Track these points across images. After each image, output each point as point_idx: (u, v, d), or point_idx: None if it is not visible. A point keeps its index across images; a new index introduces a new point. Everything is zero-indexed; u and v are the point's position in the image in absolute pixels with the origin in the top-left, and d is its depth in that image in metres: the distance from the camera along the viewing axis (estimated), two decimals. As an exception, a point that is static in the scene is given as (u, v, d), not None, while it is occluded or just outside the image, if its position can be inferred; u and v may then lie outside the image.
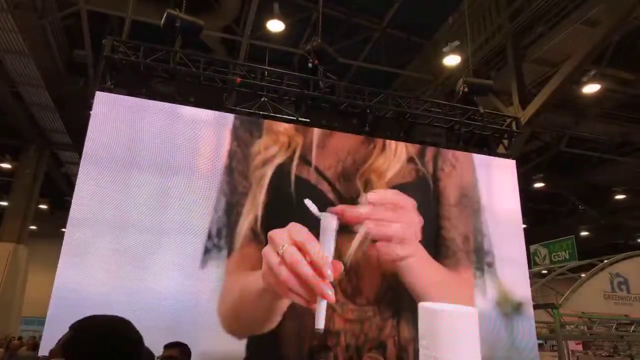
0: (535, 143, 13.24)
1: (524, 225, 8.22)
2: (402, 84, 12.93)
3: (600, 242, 17.71)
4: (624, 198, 16.06)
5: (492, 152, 8.19)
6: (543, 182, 14.79)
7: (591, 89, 10.77)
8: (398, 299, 6.45)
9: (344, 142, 6.89)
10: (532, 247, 11.09)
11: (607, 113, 12.31)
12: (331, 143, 6.81)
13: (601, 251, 11.77)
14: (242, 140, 6.42)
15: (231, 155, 6.31)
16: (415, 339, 6.27)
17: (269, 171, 6.32)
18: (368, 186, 6.69)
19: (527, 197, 13.05)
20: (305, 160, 6.51)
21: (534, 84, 10.77)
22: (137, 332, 1.12)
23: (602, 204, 16.56)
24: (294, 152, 6.51)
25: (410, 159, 7.16)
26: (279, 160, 6.42)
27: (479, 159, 7.80)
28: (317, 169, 6.50)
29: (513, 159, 8.21)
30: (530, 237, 11.19)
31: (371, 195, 6.56)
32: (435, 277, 6.76)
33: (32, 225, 15.53)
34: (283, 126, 6.67)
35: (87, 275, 5.40)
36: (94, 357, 1.03)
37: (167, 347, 3.08)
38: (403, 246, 6.51)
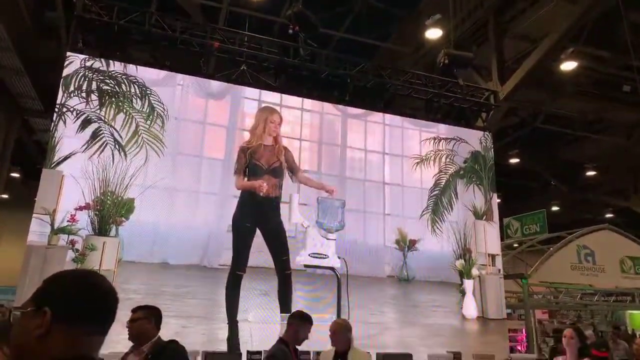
0: (512, 119, 13.42)
1: (498, 200, 8.42)
2: (384, 57, 12.84)
3: (570, 217, 18.24)
4: (594, 175, 16.51)
5: (469, 125, 8.29)
6: (518, 158, 15.07)
7: (568, 66, 10.89)
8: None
9: None
10: (505, 220, 11.38)
11: (582, 91, 12.51)
12: None
13: (571, 226, 12.14)
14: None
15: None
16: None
17: None
18: None
19: (502, 172, 13.30)
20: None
21: (513, 60, 10.85)
22: (110, 284, 1.11)
23: (573, 180, 17.01)
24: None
25: None
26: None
27: (449, 130, 7.82)
28: None
29: (490, 132, 8.33)
30: (504, 211, 11.47)
31: None
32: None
33: (4, 194, 15.15)
34: None
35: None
36: (65, 304, 1.01)
37: (132, 310, 3.10)
38: None
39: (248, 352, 5.08)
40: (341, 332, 3.52)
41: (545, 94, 12.45)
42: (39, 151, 15.38)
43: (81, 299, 1.03)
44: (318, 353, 5.45)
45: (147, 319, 3.08)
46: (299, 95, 6.78)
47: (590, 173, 16.49)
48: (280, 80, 6.87)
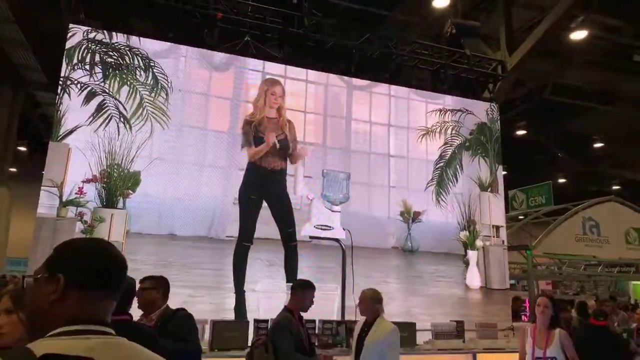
0: (519, 90, 13.23)
1: (504, 172, 8.39)
2: (390, 27, 12.60)
3: (577, 189, 18.20)
4: (602, 146, 16.38)
5: (476, 96, 8.20)
6: (525, 130, 14.94)
7: (578, 35, 10.66)
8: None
9: None
10: (511, 192, 11.37)
11: (592, 61, 12.27)
12: None
13: (577, 198, 12.12)
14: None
15: None
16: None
17: None
18: None
19: (508, 144, 13.22)
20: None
21: (522, 29, 10.62)
22: (120, 253, 1.14)
23: (580, 152, 16.88)
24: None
25: None
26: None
27: (455, 101, 7.73)
28: None
29: (497, 104, 8.24)
30: (510, 183, 11.45)
31: None
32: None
33: (12, 167, 15.28)
34: None
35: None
36: (76, 271, 1.05)
37: (140, 280, 3.17)
38: None
39: (255, 320, 5.20)
40: (367, 302, 3.58)
41: (554, 65, 12.23)
42: (44, 125, 15.43)
43: (92, 266, 1.06)
44: (324, 321, 5.59)
45: (155, 289, 3.16)
46: (303, 67, 6.70)
47: (598, 145, 16.35)
48: (284, 51, 6.79)
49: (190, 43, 6.27)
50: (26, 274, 6.56)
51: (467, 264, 7.85)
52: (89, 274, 1.05)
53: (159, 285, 3.18)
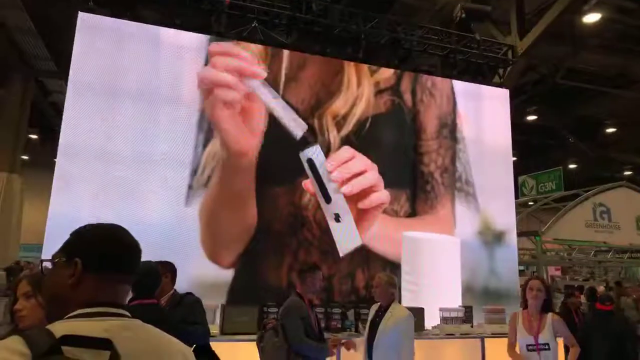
0: (530, 75, 13.06)
1: (514, 158, 8.33)
2: (399, 11, 12.45)
3: (588, 175, 18.03)
4: (615, 131, 16.16)
5: (486, 82, 8.11)
6: (536, 115, 14.78)
7: (591, 18, 10.46)
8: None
9: (317, 72, 6.68)
10: (520, 179, 11.31)
11: (605, 44, 12.05)
12: (303, 73, 6.62)
13: (588, 183, 12.02)
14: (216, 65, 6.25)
15: (202, 81, 6.16)
16: (383, 269, 6.49)
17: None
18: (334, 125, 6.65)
19: (519, 129, 13.09)
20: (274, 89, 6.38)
21: (533, 13, 10.44)
22: (133, 237, 1.17)
23: (592, 137, 16.68)
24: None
25: (382, 90, 7.03)
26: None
27: (463, 86, 7.68)
28: (286, 101, 6.38)
29: (507, 89, 8.15)
30: (520, 169, 11.38)
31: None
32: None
33: (24, 155, 15.45)
34: (257, 48, 6.44)
35: (78, 205, 5.50)
36: (93, 255, 1.08)
37: None
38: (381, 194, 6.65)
39: (264, 305, 5.27)
40: (383, 287, 3.59)
41: (566, 49, 12.04)
42: (55, 113, 15.57)
43: (108, 250, 1.09)
44: (333, 306, 5.64)
45: (163, 274, 3.21)
46: (311, 53, 6.67)
47: (610, 130, 16.14)
48: (292, 38, 6.76)
49: (197, 30, 6.25)
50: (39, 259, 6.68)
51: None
52: (105, 258, 1.08)
53: (167, 270, 3.23)
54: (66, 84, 5.83)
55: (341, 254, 6.35)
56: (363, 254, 6.53)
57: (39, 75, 13.66)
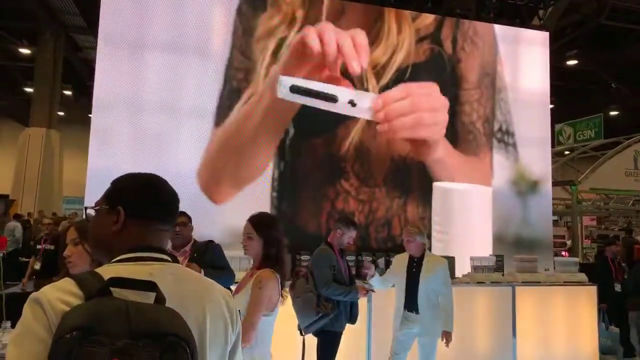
0: (572, 16, 12.27)
1: (551, 105, 7.99)
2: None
3: (631, 122, 17.18)
4: (662, 75, 15.21)
5: (524, 24, 7.67)
6: (576, 59, 14.00)
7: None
8: (406, 181, 6.58)
9: (356, 19, 6.41)
10: (557, 126, 10.89)
11: (657, -21, 11.11)
12: (343, 20, 6.37)
13: (630, 131, 11.48)
14: (244, 16, 6.09)
15: (234, 32, 6.03)
16: (422, 217, 6.47)
17: (270, 46, 6.09)
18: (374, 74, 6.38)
19: (558, 75, 12.47)
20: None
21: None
22: (171, 187, 1.19)
23: (637, 81, 15.76)
24: (300, 27, 6.15)
25: (423, 38, 6.73)
26: (280, 34, 6.12)
27: (503, 31, 7.29)
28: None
29: (547, 31, 7.70)
30: (558, 116, 10.93)
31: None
32: (454, 162, 6.77)
33: (60, 111, 15.89)
34: None
35: (116, 157, 5.62)
36: (134, 203, 1.11)
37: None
38: (436, 147, 6.46)
39: (297, 252, 5.38)
40: (415, 239, 3.62)
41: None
42: (87, 68, 15.78)
43: (149, 198, 1.13)
44: (364, 254, 5.73)
45: (190, 223, 3.34)
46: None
47: (657, 73, 15.18)
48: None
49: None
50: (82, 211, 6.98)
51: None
52: (147, 206, 1.11)
53: (190, 220, 3.35)
54: (96, 39, 5.85)
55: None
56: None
57: (69, 31, 13.76)
